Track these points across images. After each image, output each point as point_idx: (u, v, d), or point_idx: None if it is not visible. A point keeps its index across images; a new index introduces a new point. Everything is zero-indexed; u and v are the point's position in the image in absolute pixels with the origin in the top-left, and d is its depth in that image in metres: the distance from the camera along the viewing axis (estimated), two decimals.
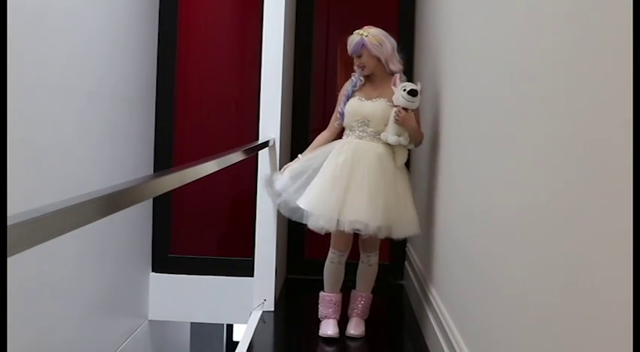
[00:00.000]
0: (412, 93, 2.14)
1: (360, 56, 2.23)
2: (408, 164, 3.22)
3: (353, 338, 2.32)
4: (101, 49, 2.56)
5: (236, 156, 1.90)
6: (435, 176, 2.26)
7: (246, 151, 2.10)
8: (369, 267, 2.35)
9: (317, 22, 3.27)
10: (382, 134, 2.21)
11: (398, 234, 2.22)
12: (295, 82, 3.11)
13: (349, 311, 2.40)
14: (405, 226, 2.23)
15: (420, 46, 3.02)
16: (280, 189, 2.28)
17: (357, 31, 2.25)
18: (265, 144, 2.52)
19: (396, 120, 2.17)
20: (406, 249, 3.14)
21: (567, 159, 0.92)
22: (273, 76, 2.62)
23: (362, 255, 2.36)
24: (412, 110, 2.18)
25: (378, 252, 2.35)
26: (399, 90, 2.16)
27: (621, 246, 0.72)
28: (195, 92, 3.36)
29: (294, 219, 2.26)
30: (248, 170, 2.88)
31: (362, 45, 2.22)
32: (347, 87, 2.32)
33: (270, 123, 2.63)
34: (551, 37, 1.03)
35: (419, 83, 2.21)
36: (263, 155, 2.60)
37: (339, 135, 2.35)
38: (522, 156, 1.16)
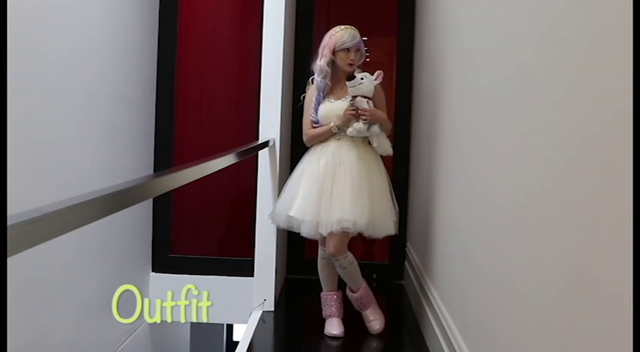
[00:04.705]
0: (347, 78, 2.16)
1: (358, 51, 2.23)
2: (407, 164, 3.24)
3: (353, 338, 2.32)
4: (101, 49, 2.56)
5: (236, 156, 1.90)
6: (434, 175, 2.26)
7: (246, 151, 2.10)
8: (341, 270, 2.28)
9: (317, 22, 3.27)
10: (348, 130, 2.21)
11: (377, 233, 2.18)
12: (295, 82, 3.11)
13: (356, 308, 2.39)
14: (384, 225, 2.21)
15: (420, 45, 3.02)
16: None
17: (345, 27, 2.25)
18: (265, 144, 2.52)
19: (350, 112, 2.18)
20: (406, 249, 3.14)
21: (568, 157, 0.92)
22: (273, 76, 2.62)
23: (332, 260, 2.27)
24: (368, 97, 2.18)
25: (347, 254, 2.24)
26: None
27: (622, 245, 0.72)
28: (195, 92, 3.36)
29: (288, 228, 2.27)
30: (248, 170, 2.88)
31: (362, 43, 2.24)
32: (312, 95, 2.30)
33: (270, 123, 2.63)
34: (550, 32, 1.03)
35: (380, 73, 2.20)
36: (263, 155, 2.60)
37: None
38: (522, 155, 1.16)
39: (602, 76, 0.81)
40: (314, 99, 2.29)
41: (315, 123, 2.29)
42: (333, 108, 2.25)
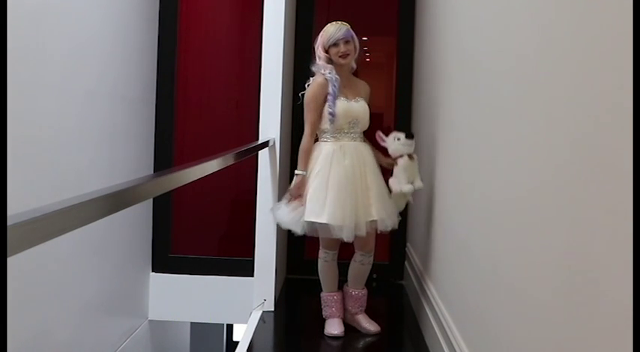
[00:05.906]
0: (410, 136, 2.20)
1: (348, 42, 2.23)
2: None
3: (353, 338, 2.32)
4: (101, 49, 2.56)
5: (236, 156, 1.90)
6: (434, 175, 2.26)
7: (246, 151, 2.10)
8: (366, 266, 2.34)
9: (317, 22, 3.27)
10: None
11: (393, 226, 2.26)
12: (295, 82, 3.11)
13: (353, 310, 2.39)
14: (394, 218, 2.27)
15: (420, 45, 3.02)
16: (294, 214, 2.23)
17: (332, 23, 2.27)
18: (265, 144, 2.52)
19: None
20: (406, 248, 3.14)
21: (567, 154, 0.92)
22: (273, 76, 2.62)
23: (359, 256, 2.32)
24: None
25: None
26: (394, 141, 2.19)
27: (622, 245, 0.72)
28: (195, 92, 3.36)
29: (310, 234, 2.23)
30: (248, 170, 2.88)
31: (351, 34, 2.24)
32: (324, 86, 2.22)
33: (270, 123, 2.63)
34: (550, 30, 1.03)
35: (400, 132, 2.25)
36: (263, 155, 2.60)
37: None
38: (522, 154, 1.16)
39: (602, 73, 0.81)
40: (330, 91, 2.21)
41: (332, 115, 2.20)
42: (349, 108, 2.23)
